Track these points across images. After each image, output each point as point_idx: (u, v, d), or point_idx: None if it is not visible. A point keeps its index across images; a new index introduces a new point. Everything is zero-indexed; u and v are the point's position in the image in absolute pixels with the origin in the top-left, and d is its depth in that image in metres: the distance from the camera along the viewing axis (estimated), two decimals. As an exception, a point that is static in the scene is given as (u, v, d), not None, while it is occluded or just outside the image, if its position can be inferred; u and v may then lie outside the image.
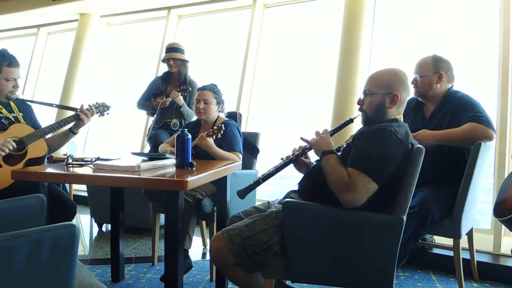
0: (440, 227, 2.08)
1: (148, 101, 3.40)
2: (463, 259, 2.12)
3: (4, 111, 2.29)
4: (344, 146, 1.71)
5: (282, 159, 1.84)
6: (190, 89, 3.29)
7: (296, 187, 1.84)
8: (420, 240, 2.20)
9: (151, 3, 4.86)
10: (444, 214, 2.07)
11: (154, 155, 2.17)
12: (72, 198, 3.06)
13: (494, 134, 2.13)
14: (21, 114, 2.36)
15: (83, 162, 2.03)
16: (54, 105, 2.73)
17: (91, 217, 3.67)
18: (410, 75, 2.01)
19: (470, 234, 2.29)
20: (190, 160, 1.85)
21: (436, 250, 2.62)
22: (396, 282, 2.32)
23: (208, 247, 2.95)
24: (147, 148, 3.38)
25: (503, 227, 2.60)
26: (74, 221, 2.96)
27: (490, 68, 3.16)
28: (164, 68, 3.55)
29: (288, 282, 1.96)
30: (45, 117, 3.12)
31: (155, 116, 3.34)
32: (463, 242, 2.17)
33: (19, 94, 2.46)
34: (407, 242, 1.92)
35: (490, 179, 2.86)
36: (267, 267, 1.57)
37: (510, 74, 2.91)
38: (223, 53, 5.11)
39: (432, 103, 2.31)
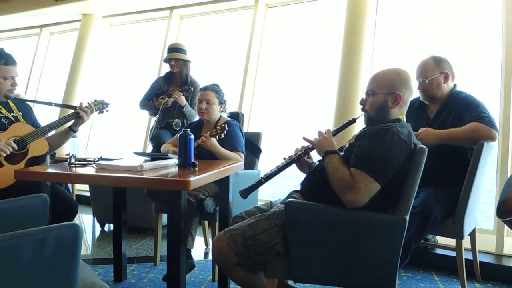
0: (442, 227, 2.08)
1: (150, 101, 3.41)
2: (465, 259, 2.12)
3: (3, 110, 2.28)
4: (347, 146, 1.71)
5: (284, 159, 1.84)
6: (192, 89, 3.30)
7: (298, 187, 1.84)
8: (422, 241, 2.20)
9: (153, 3, 4.87)
10: (446, 214, 2.06)
11: (157, 155, 2.17)
12: (74, 198, 3.06)
13: (497, 135, 2.13)
14: (20, 113, 2.35)
15: (85, 162, 2.03)
16: (53, 104, 2.71)
17: (94, 217, 3.69)
18: (412, 76, 2.00)
19: (472, 235, 2.28)
20: (193, 160, 1.85)
21: (438, 251, 2.61)
22: (399, 283, 2.32)
23: (210, 247, 2.95)
24: (149, 148, 3.38)
25: (506, 227, 2.60)
26: (76, 221, 2.96)
27: (493, 69, 3.16)
28: (166, 68, 3.55)
29: (290, 282, 1.95)
30: (47, 116, 3.12)
31: (157, 116, 3.35)
32: (466, 242, 2.17)
33: (22, 94, 2.46)
34: (409, 242, 1.92)
35: (493, 180, 2.86)
36: (270, 267, 1.57)
37: (513, 75, 2.91)
38: (225, 53, 5.11)
39: (436, 104, 2.30)
